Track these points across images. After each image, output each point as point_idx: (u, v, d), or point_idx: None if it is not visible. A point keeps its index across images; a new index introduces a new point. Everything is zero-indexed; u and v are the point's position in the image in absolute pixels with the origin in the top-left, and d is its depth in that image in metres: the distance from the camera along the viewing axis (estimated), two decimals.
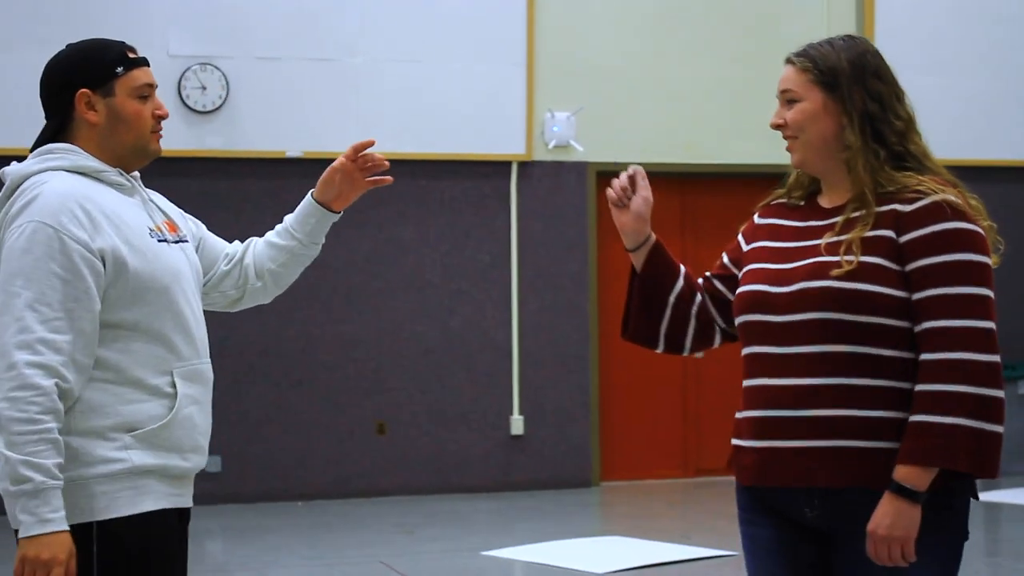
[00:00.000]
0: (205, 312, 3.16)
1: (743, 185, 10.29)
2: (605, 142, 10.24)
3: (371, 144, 3.32)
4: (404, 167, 9.19)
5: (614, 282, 10.08)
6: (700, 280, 3.16)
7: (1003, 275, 2.96)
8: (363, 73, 9.92)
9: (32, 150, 3.01)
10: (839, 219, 2.87)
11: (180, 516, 3.02)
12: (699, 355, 3.27)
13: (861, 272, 2.77)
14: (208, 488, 8.45)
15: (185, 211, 3.29)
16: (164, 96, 3.44)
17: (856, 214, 2.84)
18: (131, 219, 2.97)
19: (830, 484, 2.80)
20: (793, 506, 2.88)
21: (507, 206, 10.26)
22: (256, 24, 9.76)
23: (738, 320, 2.97)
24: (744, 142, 10.40)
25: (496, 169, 10.24)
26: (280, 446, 9.70)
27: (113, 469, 2.85)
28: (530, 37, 10.20)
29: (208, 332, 3.11)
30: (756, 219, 3.10)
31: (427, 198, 10.05)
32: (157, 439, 2.90)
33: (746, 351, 2.94)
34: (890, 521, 2.72)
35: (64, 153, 2.98)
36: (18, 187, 2.93)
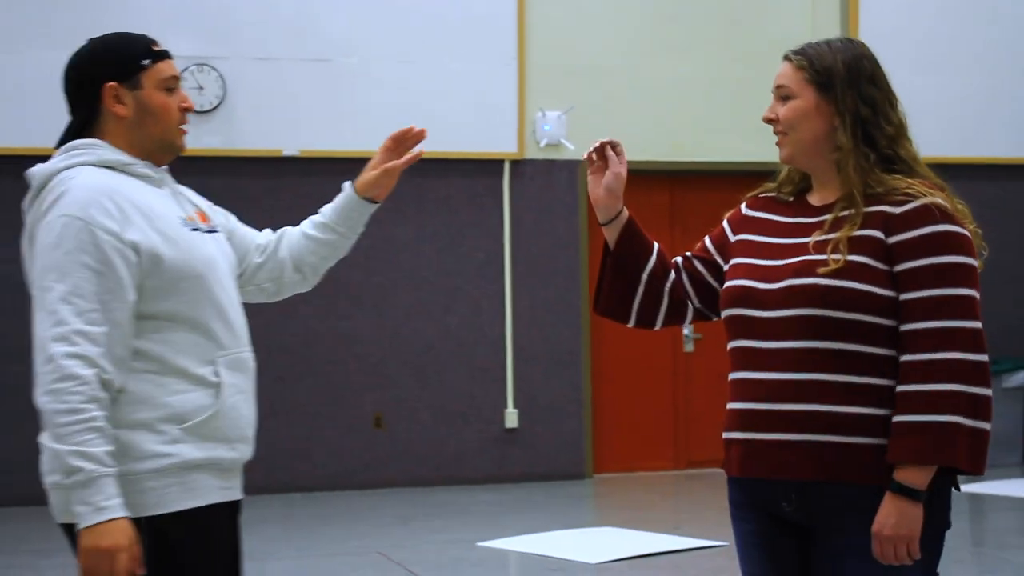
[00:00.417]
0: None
1: (731, 182, 10.32)
2: (595, 140, 10.22)
3: (410, 131, 3.32)
4: None
5: None
6: (680, 259, 3.17)
7: (988, 272, 3.01)
8: (357, 73, 10.02)
9: (57, 147, 2.96)
10: (828, 217, 2.88)
11: (230, 509, 2.96)
12: (658, 327, 3.28)
13: (847, 271, 2.79)
14: None
15: None
16: None
17: (844, 213, 2.85)
18: (162, 210, 2.92)
19: (808, 477, 2.81)
20: (773, 500, 2.90)
21: (500, 204, 10.36)
22: (252, 25, 9.87)
23: (724, 314, 2.98)
24: (732, 139, 10.48)
25: (489, 167, 10.32)
26: (280, 439, 9.76)
27: (162, 464, 2.80)
28: (521, 37, 10.29)
29: None
30: (744, 209, 3.11)
31: (422, 196, 10.11)
32: (205, 429, 2.85)
33: (731, 345, 2.96)
34: (894, 521, 2.74)
35: (90, 148, 2.92)
36: (45, 185, 2.89)
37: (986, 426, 2.76)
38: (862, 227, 2.82)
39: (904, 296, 2.80)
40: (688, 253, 3.18)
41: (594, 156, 3.12)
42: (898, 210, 2.81)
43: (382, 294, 10.13)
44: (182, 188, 3.11)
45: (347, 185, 3.30)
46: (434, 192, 10.16)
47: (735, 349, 2.95)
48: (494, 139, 10.28)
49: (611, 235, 3.12)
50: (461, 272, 10.29)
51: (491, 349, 10.32)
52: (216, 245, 3.03)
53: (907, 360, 2.78)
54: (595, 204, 3.11)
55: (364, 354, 10.10)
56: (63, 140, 2.97)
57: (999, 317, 9.45)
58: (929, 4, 11.09)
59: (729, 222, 3.13)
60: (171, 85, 2.98)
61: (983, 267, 2.88)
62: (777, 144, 2.98)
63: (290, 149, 9.81)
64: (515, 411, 10.34)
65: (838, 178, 2.91)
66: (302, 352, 9.95)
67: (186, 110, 3.03)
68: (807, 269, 2.84)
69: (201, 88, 9.64)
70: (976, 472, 2.79)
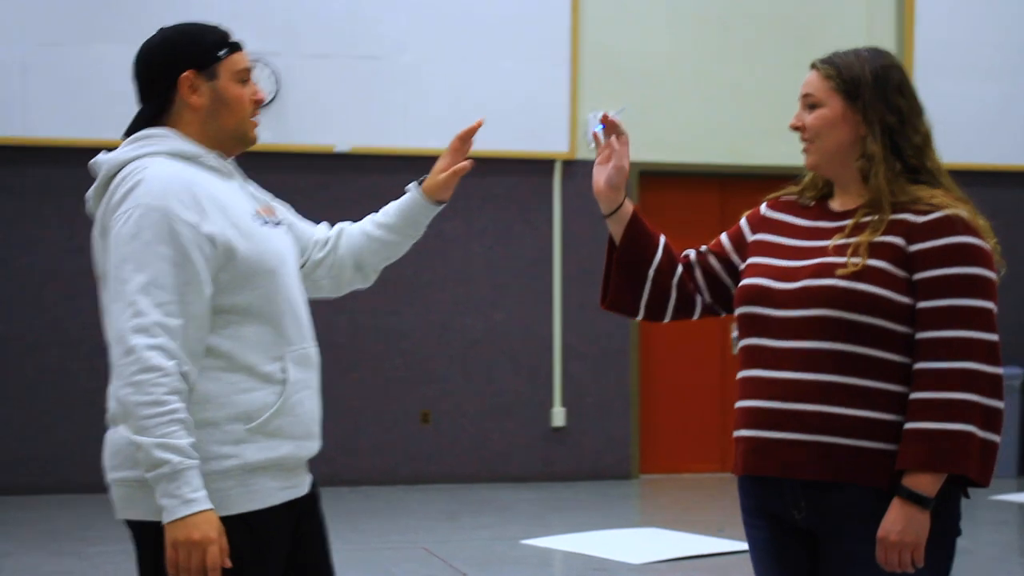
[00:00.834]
0: None
1: (779, 186, 10.33)
2: (647, 142, 10.24)
3: (477, 128, 3.31)
4: None
5: None
6: (694, 253, 3.16)
7: (1005, 280, 3.03)
8: (410, 71, 10.07)
9: (126, 135, 2.90)
10: (849, 222, 2.89)
11: (290, 508, 2.91)
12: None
13: (866, 274, 2.80)
14: None
15: None
16: None
17: (867, 219, 2.86)
18: (235, 203, 2.88)
19: (815, 477, 2.82)
20: (783, 508, 2.90)
21: (550, 203, 10.39)
22: (306, 22, 9.95)
23: (738, 311, 2.98)
24: (784, 144, 10.42)
25: (540, 167, 10.36)
26: (328, 433, 9.76)
27: (225, 466, 2.76)
28: (574, 37, 10.32)
29: None
30: (763, 210, 3.13)
31: (472, 194, 10.12)
32: (270, 427, 2.81)
33: (744, 343, 2.96)
34: (901, 527, 2.74)
35: (161, 138, 2.87)
36: (114, 175, 2.83)
37: (996, 438, 2.77)
38: (884, 233, 2.83)
39: (922, 304, 2.80)
40: (703, 248, 3.19)
41: (600, 139, 3.12)
42: (921, 219, 2.82)
43: (430, 290, 10.19)
44: (248, 181, 3.07)
45: (413, 186, 3.27)
46: (484, 190, 10.19)
47: (747, 347, 2.96)
48: (545, 139, 10.31)
49: (615, 228, 3.12)
50: (509, 269, 10.33)
51: (539, 347, 10.36)
52: (284, 239, 3.01)
53: (922, 367, 2.78)
54: (597, 196, 3.11)
55: (411, 349, 10.16)
56: (132, 129, 2.91)
57: (1009, 327, 9.43)
58: (985, 11, 11.01)
59: (748, 221, 3.15)
60: (244, 77, 2.95)
61: (1000, 283, 2.89)
62: (803, 151, 3.02)
63: (342, 145, 9.87)
64: (562, 409, 10.37)
65: (862, 185, 2.92)
66: (349, 347, 10.01)
67: (258, 103, 2.99)
68: (825, 271, 2.85)
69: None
70: (984, 483, 2.80)
